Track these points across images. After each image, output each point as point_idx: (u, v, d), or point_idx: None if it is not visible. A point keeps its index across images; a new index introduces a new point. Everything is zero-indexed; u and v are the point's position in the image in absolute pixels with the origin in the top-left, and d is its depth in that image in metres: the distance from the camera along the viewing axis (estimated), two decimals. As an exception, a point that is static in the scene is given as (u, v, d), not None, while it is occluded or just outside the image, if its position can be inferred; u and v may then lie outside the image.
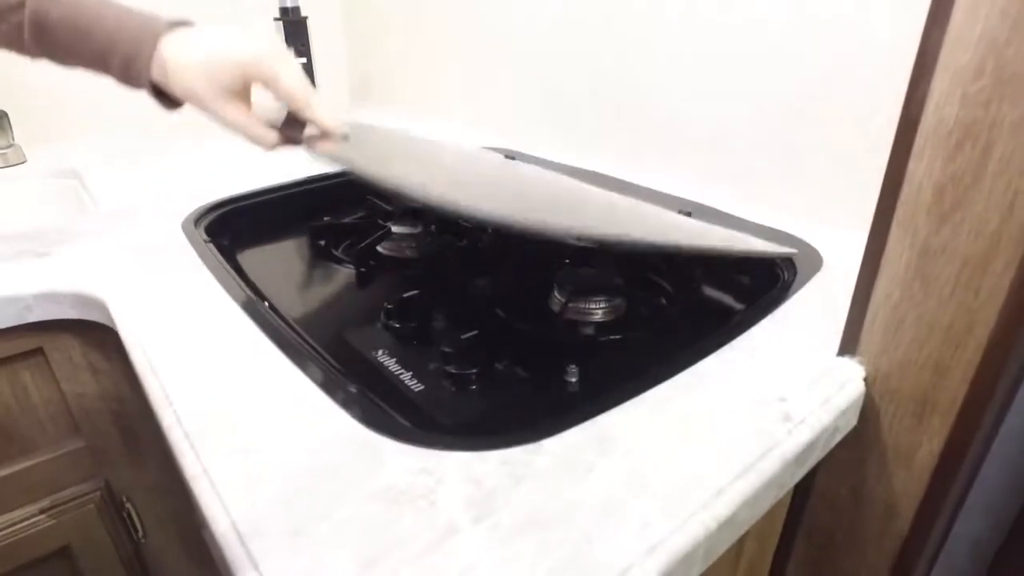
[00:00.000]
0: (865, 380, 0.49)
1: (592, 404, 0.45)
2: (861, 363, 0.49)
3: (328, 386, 0.48)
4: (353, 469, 0.40)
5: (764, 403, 0.45)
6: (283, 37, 1.22)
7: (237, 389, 0.48)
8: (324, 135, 0.59)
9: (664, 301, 0.63)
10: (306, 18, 1.23)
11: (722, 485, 0.38)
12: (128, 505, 0.81)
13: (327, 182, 0.97)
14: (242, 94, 0.57)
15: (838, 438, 0.48)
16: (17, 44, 0.58)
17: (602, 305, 0.66)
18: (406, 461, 0.40)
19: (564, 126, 1.02)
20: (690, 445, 0.41)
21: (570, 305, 0.64)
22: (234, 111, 0.57)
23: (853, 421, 0.49)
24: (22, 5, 0.55)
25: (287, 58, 0.57)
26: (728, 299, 0.68)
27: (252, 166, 1.04)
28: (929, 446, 0.47)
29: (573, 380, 0.54)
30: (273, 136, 0.59)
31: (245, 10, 1.31)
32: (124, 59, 0.56)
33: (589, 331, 0.64)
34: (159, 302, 0.61)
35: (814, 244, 0.70)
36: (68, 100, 1.21)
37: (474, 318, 0.66)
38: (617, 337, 0.61)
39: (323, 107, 0.58)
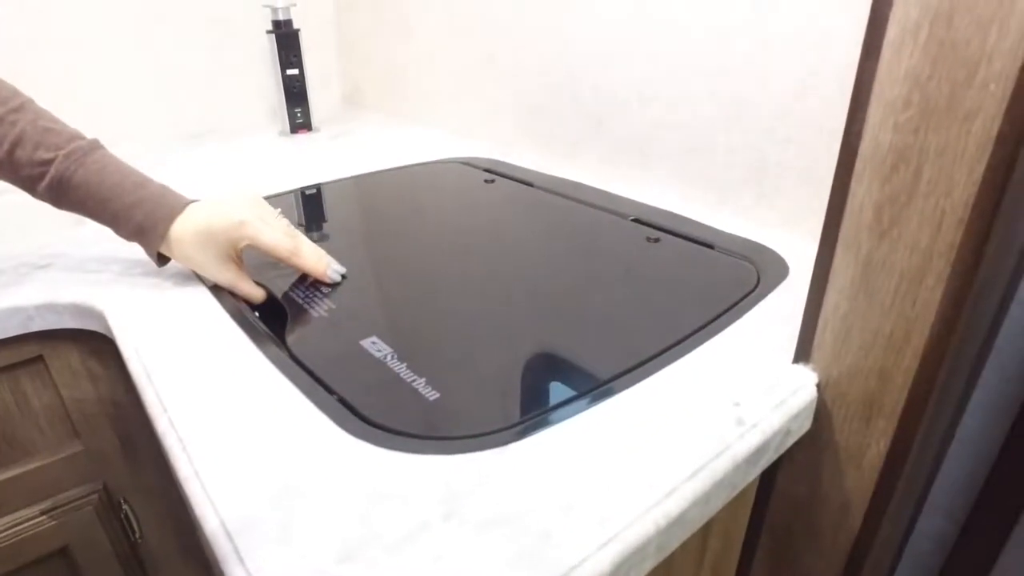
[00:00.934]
0: (818, 386, 0.52)
1: (552, 411, 0.48)
2: (814, 370, 0.52)
3: (312, 393, 0.51)
4: (335, 472, 0.43)
5: (719, 408, 0.48)
6: (275, 49, 1.25)
7: (228, 396, 0.51)
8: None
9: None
10: (298, 31, 1.26)
11: (674, 484, 0.41)
12: (125, 506, 0.84)
13: (338, 183, 1.00)
14: (232, 256, 0.67)
15: (791, 441, 0.51)
16: (31, 190, 0.65)
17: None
18: (384, 464, 0.44)
19: (545, 136, 1.06)
20: (645, 449, 0.44)
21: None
22: (225, 273, 0.67)
23: (807, 424, 0.53)
24: (50, 163, 0.62)
25: (265, 219, 0.67)
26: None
27: (243, 177, 1.07)
28: (877, 447, 0.50)
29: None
30: (260, 292, 0.69)
31: (238, 26, 1.34)
32: (136, 229, 0.65)
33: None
34: (155, 311, 0.64)
35: (782, 254, 0.73)
36: (67, 108, 1.23)
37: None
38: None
39: (311, 254, 0.68)
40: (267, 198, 0.95)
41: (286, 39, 1.25)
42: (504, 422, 0.48)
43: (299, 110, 1.32)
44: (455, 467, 0.43)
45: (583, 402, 0.50)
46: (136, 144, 1.27)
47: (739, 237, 0.77)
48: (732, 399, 0.49)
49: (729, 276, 0.74)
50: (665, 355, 0.56)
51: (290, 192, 0.98)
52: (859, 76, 0.43)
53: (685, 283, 0.76)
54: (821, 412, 0.53)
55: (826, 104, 0.71)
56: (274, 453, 0.45)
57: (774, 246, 0.75)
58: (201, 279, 0.70)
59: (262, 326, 0.63)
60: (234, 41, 1.35)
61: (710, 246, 0.77)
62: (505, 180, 1.00)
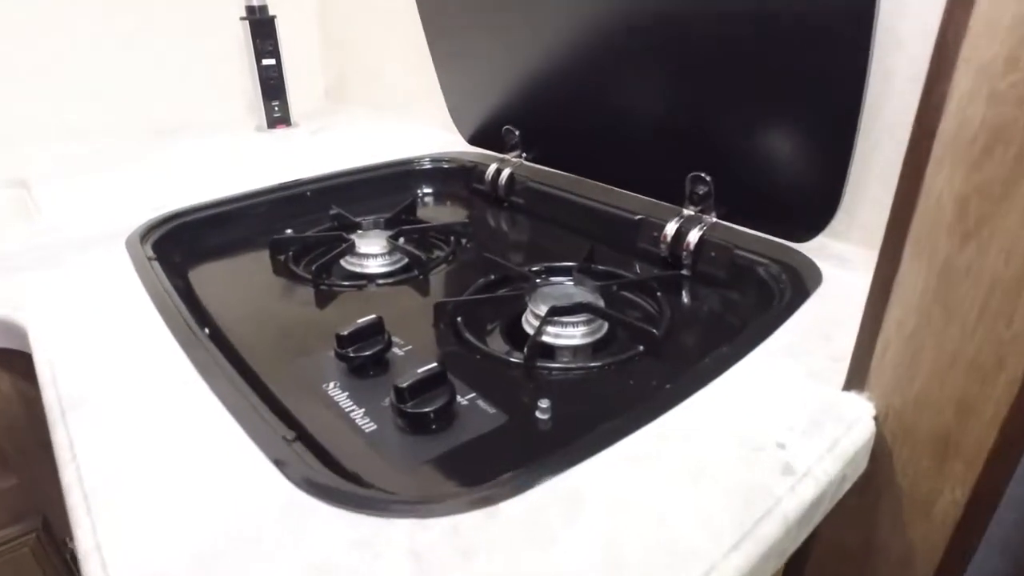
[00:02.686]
0: (875, 419, 0.43)
1: (562, 453, 0.39)
2: (870, 399, 0.43)
3: (259, 437, 0.41)
4: (278, 538, 0.34)
5: (761, 450, 0.39)
6: (249, 37, 1.15)
7: (156, 439, 0.41)
8: None
9: (648, 326, 0.57)
10: (274, 17, 1.16)
11: (714, 560, 0.32)
12: (71, 544, 0.74)
13: (292, 190, 0.91)
14: None
15: (846, 487, 0.42)
16: None
17: (580, 328, 0.60)
18: (340, 529, 0.34)
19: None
20: (676, 507, 0.35)
21: (545, 327, 0.58)
22: None
23: (863, 466, 0.43)
24: None
25: None
26: (717, 321, 0.62)
27: (214, 175, 0.98)
28: (952, 494, 0.41)
29: (545, 418, 0.48)
30: None
31: (211, 12, 1.24)
32: None
33: (565, 358, 0.58)
34: (84, 332, 0.55)
35: (812, 257, 0.64)
36: (31, 102, 1.14)
37: (440, 342, 0.60)
38: (596, 366, 0.55)
39: None
40: (230, 203, 0.86)
41: (261, 27, 1.16)
42: (498, 469, 0.39)
43: (276, 103, 1.23)
44: (431, 534, 0.34)
45: (593, 441, 0.40)
46: (105, 140, 1.17)
47: (764, 238, 0.68)
48: (775, 438, 0.40)
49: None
50: (690, 378, 0.47)
51: (259, 194, 0.89)
52: (941, 35, 0.34)
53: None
54: (879, 449, 0.44)
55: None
56: (205, 514, 0.35)
57: (799, 247, 0.66)
58: (144, 290, 0.61)
59: (213, 347, 0.53)
60: (207, 28, 1.25)
61: (727, 248, 0.67)
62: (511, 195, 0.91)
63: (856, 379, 0.44)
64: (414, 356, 0.57)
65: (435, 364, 0.49)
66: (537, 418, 0.49)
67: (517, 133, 0.92)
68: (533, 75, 0.85)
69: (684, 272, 0.71)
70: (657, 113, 0.72)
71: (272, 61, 1.19)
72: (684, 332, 0.60)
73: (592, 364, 0.55)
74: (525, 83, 0.87)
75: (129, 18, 1.18)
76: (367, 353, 0.54)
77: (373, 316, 0.56)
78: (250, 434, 0.41)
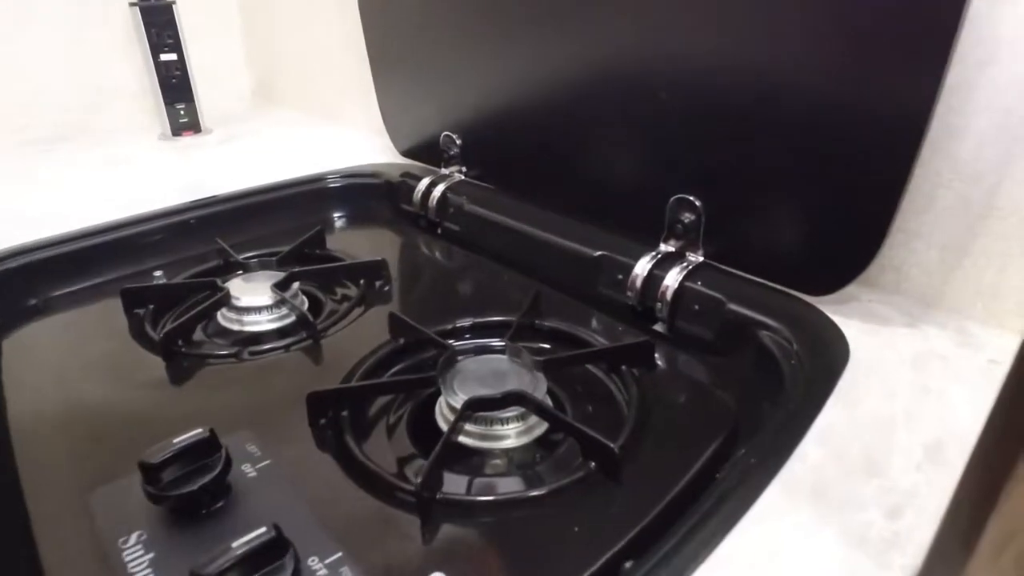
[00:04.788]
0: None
1: None
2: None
3: None
4: None
5: None
6: (141, 27, 0.96)
7: None
8: None
9: (602, 438, 0.40)
10: (171, 4, 0.97)
11: None
12: None
13: (172, 219, 0.72)
14: None
15: None
16: None
17: (511, 425, 0.43)
18: None
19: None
20: None
21: (461, 425, 0.41)
22: None
23: None
24: None
25: None
26: (704, 419, 0.44)
27: (81, 198, 0.79)
28: None
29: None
30: None
31: (101, -4, 1.05)
32: None
33: (486, 475, 0.40)
34: None
35: (834, 317, 0.47)
36: None
37: (311, 454, 0.42)
38: (527, 497, 0.38)
39: None
40: (87, 236, 0.67)
41: (155, 14, 0.97)
42: None
43: (182, 107, 1.04)
44: None
45: None
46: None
47: (760, 285, 0.51)
48: None
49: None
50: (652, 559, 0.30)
51: (118, 227, 0.70)
52: None
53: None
54: None
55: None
56: None
57: (814, 300, 0.49)
58: None
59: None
60: (97, 16, 1.06)
61: (717, 301, 0.50)
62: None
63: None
64: (269, 478, 0.39)
65: (263, 529, 0.31)
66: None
67: (458, 142, 0.74)
68: (482, 75, 0.67)
69: (657, 328, 0.54)
70: (632, 117, 0.55)
71: (173, 56, 1.00)
72: (656, 435, 0.42)
73: (519, 494, 0.38)
74: (472, 85, 0.69)
75: (4, 5, 0.98)
76: (186, 489, 0.36)
77: (199, 431, 0.38)
78: None
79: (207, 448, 0.38)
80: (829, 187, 0.45)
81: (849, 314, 0.47)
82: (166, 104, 1.03)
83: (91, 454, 0.42)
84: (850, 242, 0.45)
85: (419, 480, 0.36)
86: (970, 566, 0.24)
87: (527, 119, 0.64)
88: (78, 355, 0.54)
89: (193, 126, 1.05)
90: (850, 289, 0.48)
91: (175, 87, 1.02)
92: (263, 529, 0.31)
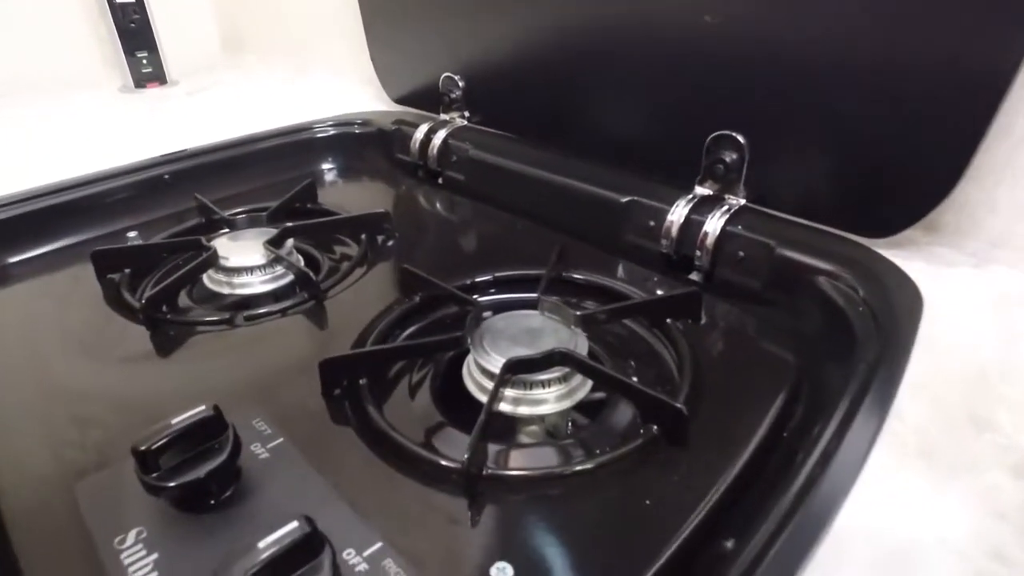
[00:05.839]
0: None
1: None
2: None
3: None
4: None
5: None
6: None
7: None
8: None
9: (665, 396, 0.35)
10: (127, -61, 0.88)
11: None
12: None
13: (143, 174, 0.65)
14: None
15: None
16: None
17: (552, 388, 0.38)
18: None
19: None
20: None
21: (501, 391, 0.36)
22: None
23: None
24: None
25: None
26: (768, 373, 0.40)
27: (40, 154, 0.71)
28: None
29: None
30: None
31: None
32: None
33: (527, 448, 0.36)
34: None
35: (898, 262, 0.43)
36: None
37: (328, 429, 0.37)
38: (584, 470, 0.33)
39: None
40: (52, 189, 0.60)
41: (108, -48, 0.87)
42: None
43: (144, 56, 0.95)
44: None
45: None
46: None
47: (812, 229, 0.47)
48: None
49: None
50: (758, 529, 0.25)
51: (86, 183, 0.62)
52: None
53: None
54: None
55: None
56: None
57: (873, 244, 0.44)
58: None
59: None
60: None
61: (766, 246, 0.46)
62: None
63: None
64: (283, 460, 0.34)
65: (295, 524, 0.26)
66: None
67: (461, 84, 0.68)
68: (488, 6, 0.61)
69: (693, 278, 0.50)
70: (668, 46, 0.49)
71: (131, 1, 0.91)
72: (713, 394, 0.38)
73: (575, 467, 0.33)
74: (477, 18, 0.62)
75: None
76: (189, 478, 0.31)
77: (201, 408, 0.32)
78: None
79: (211, 428, 0.32)
80: (899, 120, 0.40)
81: (910, 258, 0.43)
82: (126, 53, 0.94)
83: (75, 441, 0.37)
84: (919, 180, 0.41)
85: (465, 456, 0.31)
86: None
87: (541, 55, 0.58)
88: (49, 328, 0.48)
89: (158, 77, 0.96)
90: (906, 231, 0.44)
91: (135, 34, 0.93)
92: (294, 524, 0.26)
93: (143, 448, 0.30)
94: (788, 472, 0.29)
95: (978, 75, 0.37)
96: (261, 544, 0.25)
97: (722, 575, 0.24)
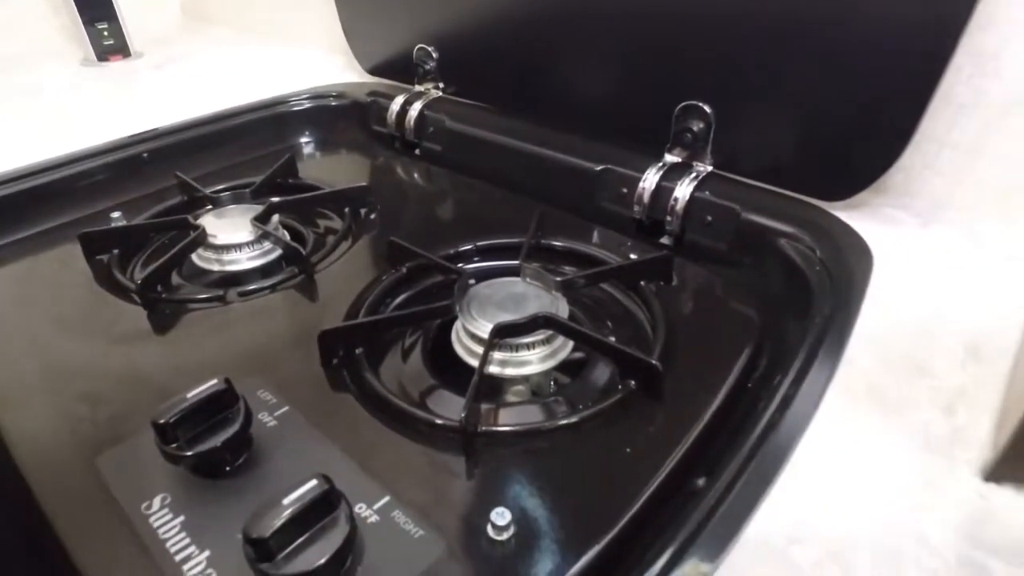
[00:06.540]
0: (1048, 529, 0.26)
1: None
2: (1038, 496, 0.27)
3: None
4: None
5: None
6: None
7: None
8: None
9: (642, 354, 0.39)
10: (79, -96, 0.85)
11: None
12: None
13: (122, 152, 0.65)
14: None
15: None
16: None
17: (536, 349, 0.41)
18: None
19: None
20: None
21: (490, 355, 0.39)
22: None
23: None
24: None
25: None
26: (736, 327, 0.44)
27: (6, 134, 0.70)
28: None
29: (503, 538, 0.30)
30: None
31: None
32: None
33: (516, 403, 0.39)
34: None
35: (850, 222, 0.46)
36: None
37: (330, 396, 0.40)
38: (569, 423, 0.36)
39: None
40: (26, 172, 0.60)
41: (62, -83, 0.85)
42: None
43: (106, 27, 0.93)
44: None
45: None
46: None
47: (773, 193, 0.50)
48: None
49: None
50: (723, 450, 0.29)
51: (62, 164, 0.62)
52: None
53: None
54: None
55: None
56: None
57: (830, 207, 0.48)
58: None
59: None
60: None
61: (731, 211, 0.49)
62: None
63: (1011, 467, 0.27)
64: (291, 426, 0.37)
65: (314, 482, 0.29)
66: (493, 540, 0.30)
67: (435, 55, 0.68)
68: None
69: (664, 241, 0.53)
70: (633, 17, 0.51)
71: (87, -33, 0.89)
72: (685, 350, 0.42)
73: (560, 421, 0.37)
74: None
75: None
76: (207, 447, 0.33)
77: (214, 382, 0.34)
78: None
79: (223, 400, 0.35)
80: (853, 88, 0.43)
81: (863, 218, 0.47)
82: (85, 23, 0.92)
83: (88, 417, 0.39)
84: (871, 146, 0.44)
85: (462, 415, 0.34)
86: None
87: (513, 26, 0.60)
88: (45, 311, 0.49)
89: (120, 49, 0.95)
90: (860, 194, 0.47)
91: (94, 4, 0.91)
92: (314, 482, 0.28)
93: (163, 421, 0.32)
94: (752, 417, 0.32)
95: (922, 44, 0.40)
96: (285, 500, 0.28)
97: (694, 509, 0.27)
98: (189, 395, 0.34)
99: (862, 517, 0.27)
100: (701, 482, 0.30)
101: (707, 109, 0.49)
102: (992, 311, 0.38)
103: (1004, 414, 0.30)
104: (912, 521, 0.26)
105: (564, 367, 0.43)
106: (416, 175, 0.68)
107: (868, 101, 0.43)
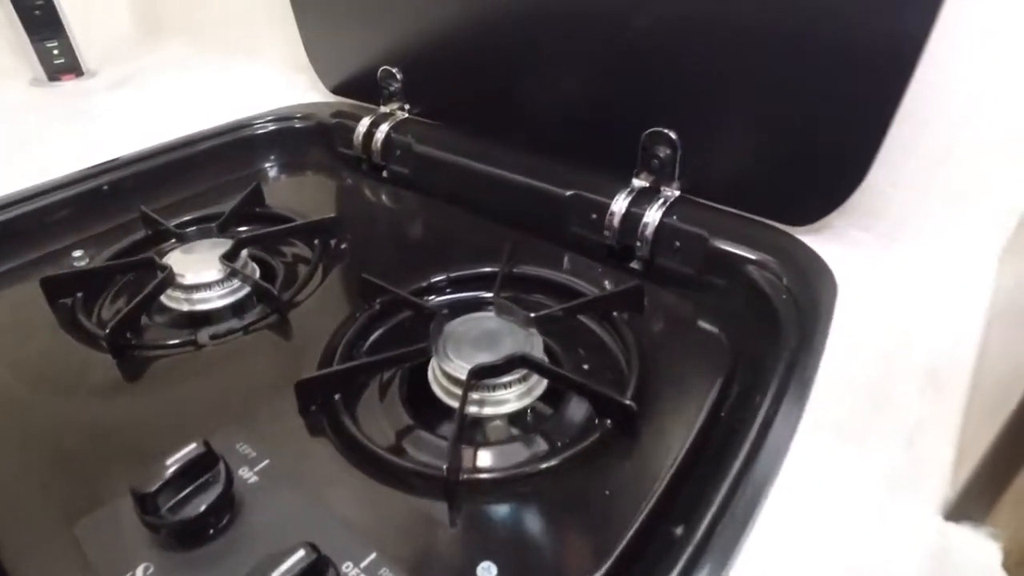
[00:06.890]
0: (1005, 566, 0.28)
1: None
2: (994, 536, 0.28)
3: None
4: None
5: None
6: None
7: None
8: None
9: (616, 395, 0.39)
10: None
11: None
12: None
13: (81, 186, 0.63)
14: None
15: None
16: None
17: (512, 388, 0.42)
18: None
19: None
20: None
21: (469, 396, 0.39)
22: None
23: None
24: None
25: None
26: (707, 357, 0.45)
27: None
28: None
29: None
30: None
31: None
32: None
33: (494, 444, 0.40)
34: None
35: (814, 247, 0.47)
36: None
37: (311, 447, 0.40)
38: (549, 467, 0.37)
39: None
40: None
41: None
42: None
43: (54, 44, 0.90)
44: None
45: None
46: None
47: (739, 217, 0.51)
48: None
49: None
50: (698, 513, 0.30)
51: (17, 201, 0.60)
52: None
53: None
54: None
55: None
56: None
57: (795, 232, 0.49)
58: None
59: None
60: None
61: (699, 237, 0.50)
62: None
63: (968, 507, 0.28)
64: (272, 481, 0.37)
65: (301, 553, 0.29)
66: (480, 596, 0.31)
67: (399, 76, 0.68)
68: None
69: (634, 266, 0.54)
70: (602, 44, 0.51)
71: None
72: (657, 382, 0.42)
73: (541, 465, 0.37)
74: (413, 7, 0.62)
75: None
76: (191, 514, 0.33)
77: (193, 446, 0.34)
78: None
79: (204, 463, 0.34)
80: (815, 114, 0.44)
81: (827, 241, 0.48)
82: (33, 41, 0.89)
83: (60, 479, 0.38)
84: (836, 169, 0.45)
85: (444, 466, 0.35)
86: (999, 506, 0.26)
87: (479, 47, 0.59)
88: (8, 359, 0.48)
89: (72, 68, 0.92)
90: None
91: (41, 20, 0.88)
92: (301, 553, 0.29)
93: (143, 492, 0.32)
94: (727, 455, 0.33)
95: (884, 65, 0.41)
96: (274, 574, 0.28)
97: (675, 561, 0.28)
98: (168, 462, 0.33)
99: (829, 561, 0.28)
100: (679, 531, 0.31)
101: (673, 136, 0.50)
102: (950, 334, 0.40)
103: (962, 448, 0.31)
104: (878, 562, 0.28)
105: (542, 396, 0.44)
106: (384, 198, 0.67)
107: (830, 125, 0.45)
